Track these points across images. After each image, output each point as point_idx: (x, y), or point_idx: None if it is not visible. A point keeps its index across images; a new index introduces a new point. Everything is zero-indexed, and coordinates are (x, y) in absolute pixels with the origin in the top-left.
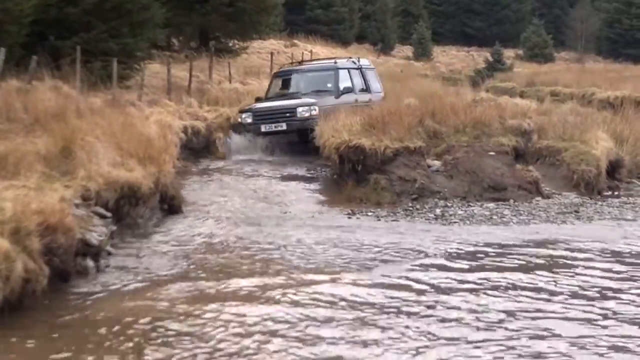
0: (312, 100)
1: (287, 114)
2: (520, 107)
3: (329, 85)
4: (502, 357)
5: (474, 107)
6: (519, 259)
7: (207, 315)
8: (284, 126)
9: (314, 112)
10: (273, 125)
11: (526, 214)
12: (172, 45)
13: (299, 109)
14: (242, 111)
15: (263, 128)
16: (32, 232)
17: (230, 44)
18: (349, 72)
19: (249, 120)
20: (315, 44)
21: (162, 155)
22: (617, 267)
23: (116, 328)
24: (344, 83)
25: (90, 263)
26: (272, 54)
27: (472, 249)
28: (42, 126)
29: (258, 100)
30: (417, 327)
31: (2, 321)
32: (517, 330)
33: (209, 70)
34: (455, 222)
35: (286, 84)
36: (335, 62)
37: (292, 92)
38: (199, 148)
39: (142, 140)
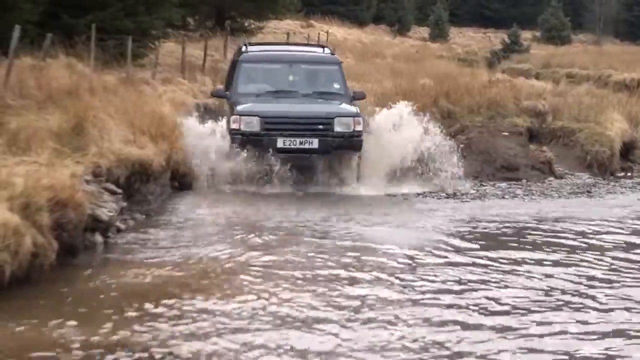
0: (355, 109)
1: (320, 126)
2: (535, 89)
3: (336, 85)
4: None
5: (489, 88)
6: (529, 235)
7: (215, 289)
8: (314, 143)
9: (358, 127)
10: (297, 140)
11: (538, 193)
12: (188, 25)
13: (338, 120)
14: (240, 113)
15: (281, 143)
16: (42, 208)
17: (246, 24)
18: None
19: (255, 129)
20: (331, 25)
21: (174, 133)
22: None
23: (124, 301)
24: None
25: (99, 238)
26: (288, 34)
27: (482, 226)
28: (54, 103)
29: (218, 96)
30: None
31: (10, 294)
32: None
33: (224, 49)
34: (467, 201)
35: (271, 76)
36: (332, 53)
37: (291, 91)
38: None
39: (154, 117)
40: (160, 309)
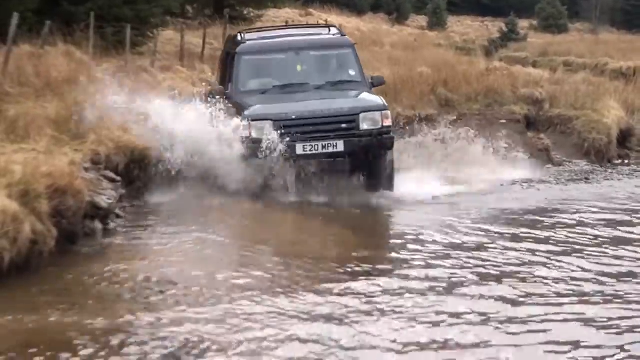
0: (380, 101)
1: (344, 125)
2: (532, 77)
3: (352, 72)
4: None
5: (487, 76)
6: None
7: (218, 276)
8: (339, 146)
9: (387, 122)
10: (320, 144)
11: (537, 181)
12: (187, 13)
13: (364, 117)
14: (250, 118)
15: (300, 149)
16: (41, 195)
17: (245, 12)
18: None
19: (269, 135)
20: (330, 13)
21: None
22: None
23: (123, 285)
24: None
25: (98, 225)
26: (287, 22)
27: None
28: (53, 91)
29: (215, 96)
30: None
31: (8, 281)
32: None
33: (223, 37)
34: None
35: (276, 68)
36: (341, 33)
37: (301, 84)
38: None
39: None
40: (160, 296)
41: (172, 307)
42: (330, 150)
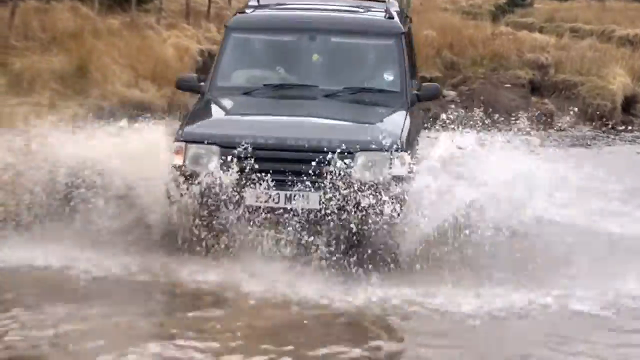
0: (403, 135)
1: (328, 167)
2: (538, 42)
3: (390, 77)
4: None
5: (492, 41)
6: None
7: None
8: (312, 200)
9: (399, 170)
10: (282, 194)
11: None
12: None
13: (364, 159)
14: (186, 138)
15: (252, 197)
16: None
17: None
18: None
19: (210, 168)
20: None
21: None
22: None
23: None
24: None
25: None
26: None
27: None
28: (58, 45)
29: (188, 88)
30: None
31: None
32: None
33: None
34: None
35: (278, 56)
36: (398, 14)
37: (305, 87)
38: None
39: (158, 62)
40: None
41: None
42: (298, 204)
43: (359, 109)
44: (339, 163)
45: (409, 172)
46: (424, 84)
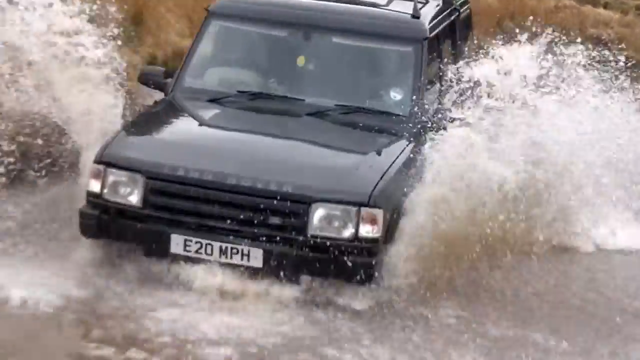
0: (370, 169)
1: (275, 219)
2: (602, 17)
3: (396, 95)
4: None
5: (555, 13)
6: None
7: None
8: (255, 258)
9: (366, 230)
10: (217, 246)
11: None
12: None
13: (321, 212)
14: (104, 160)
15: (178, 245)
16: None
17: None
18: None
19: (132, 201)
20: None
21: None
22: None
23: None
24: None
25: None
26: None
27: None
28: None
29: (153, 83)
30: None
31: None
32: None
33: None
34: None
35: (263, 55)
36: (416, 15)
37: (286, 99)
38: None
39: None
40: None
41: None
42: (236, 261)
43: (344, 138)
44: (290, 217)
45: (383, 235)
46: (448, 109)
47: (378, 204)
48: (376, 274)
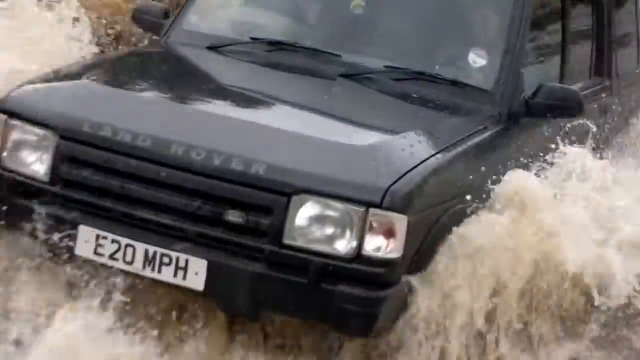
0: (401, 155)
1: (231, 217)
2: None
3: (478, 57)
4: None
5: None
6: None
7: None
8: (195, 276)
9: (376, 245)
10: (141, 249)
11: None
12: None
13: (307, 208)
14: (10, 109)
15: (87, 245)
16: None
17: None
18: None
19: (38, 172)
20: None
21: None
22: None
23: None
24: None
25: None
26: None
27: None
28: None
29: (148, 25)
30: None
31: None
32: None
33: None
34: None
35: None
36: None
37: (316, 51)
38: None
39: None
40: None
41: None
42: (166, 277)
43: (382, 112)
44: (260, 213)
45: (402, 256)
46: (554, 85)
47: (399, 206)
48: (382, 320)
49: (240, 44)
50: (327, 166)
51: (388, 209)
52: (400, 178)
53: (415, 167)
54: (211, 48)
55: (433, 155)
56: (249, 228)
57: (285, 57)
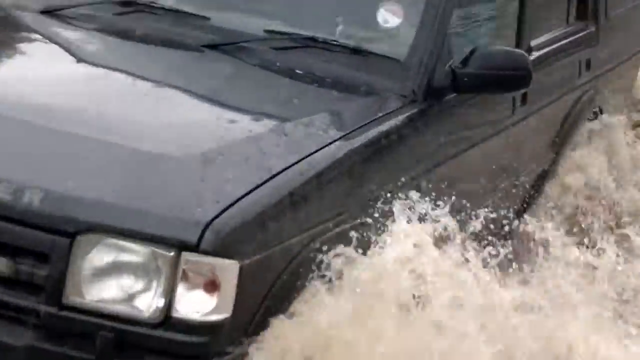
0: (243, 170)
1: (10, 255)
2: None
3: (387, 18)
4: None
5: None
6: None
7: None
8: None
9: (191, 308)
10: None
11: None
12: None
13: (98, 253)
14: None
15: None
16: None
17: None
18: None
19: None
20: None
21: None
22: None
23: None
24: None
25: None
26: None
27: None
28: None
29: None
30: None
31: None
32: None
33: None
34: None
35: None
36: None
37: (178, 12)
38: None
39: None
40: None
41: None
42: None
43: (243, 97)
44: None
45: (234, 315)
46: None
47: (225, 248)
48: None
49: (84, 6)
50: (128, 191)
51: (208, 252)
52: (231, 205)
53: (260, 185)
54: (46, 12)
55: (295, 163)
56: (20, 282)
57: (138, 22)
